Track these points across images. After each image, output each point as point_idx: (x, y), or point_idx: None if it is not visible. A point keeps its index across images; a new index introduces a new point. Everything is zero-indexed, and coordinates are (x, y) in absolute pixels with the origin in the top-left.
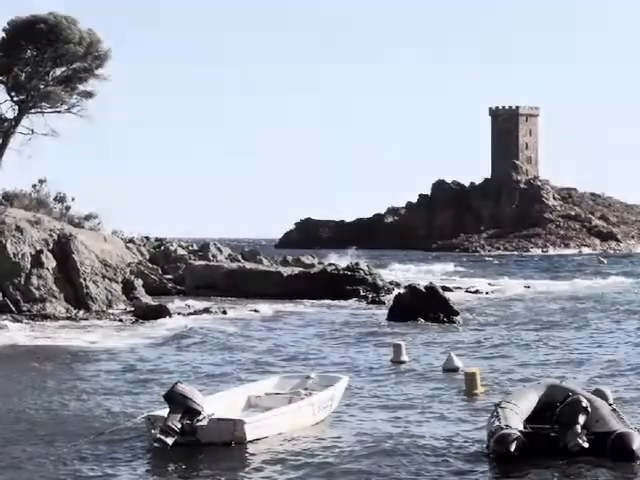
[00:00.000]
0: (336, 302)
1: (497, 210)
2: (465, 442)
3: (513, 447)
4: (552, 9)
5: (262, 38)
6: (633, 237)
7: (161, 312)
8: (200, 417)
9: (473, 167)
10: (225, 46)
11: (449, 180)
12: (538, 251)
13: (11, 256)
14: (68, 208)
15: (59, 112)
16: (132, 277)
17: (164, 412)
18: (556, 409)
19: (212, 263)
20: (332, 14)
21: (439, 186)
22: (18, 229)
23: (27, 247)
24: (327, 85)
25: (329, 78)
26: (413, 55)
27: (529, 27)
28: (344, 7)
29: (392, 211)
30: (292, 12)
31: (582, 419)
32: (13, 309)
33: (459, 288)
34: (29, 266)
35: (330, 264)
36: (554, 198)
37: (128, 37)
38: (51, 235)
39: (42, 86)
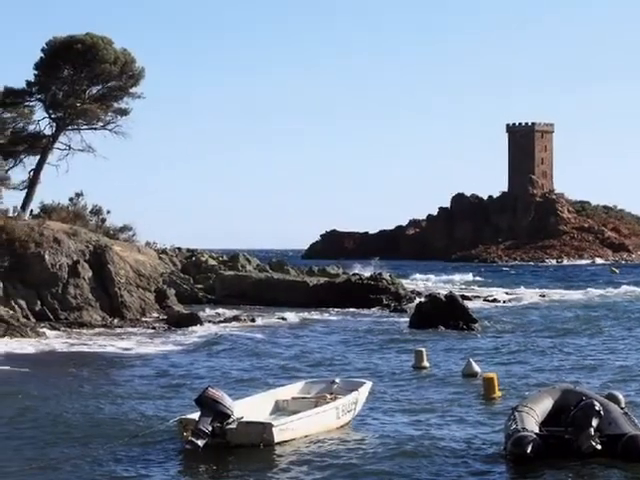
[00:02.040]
0: (360, 310)
1: (514, 222)
2: (483, 444)
3: (529, 449)
4: (567, 28)
5: (289, 52)
6: None
7: (192, 320)
8: (230, 420)
9: (491, 181)
10: (252, 59)
11: (468, 194)
12: (553, 261)
13: (49, 266)
14: (104, 220)
15: (95, 129)
16: (165, 286)
17: (195, 416)
18: (570, 412)
19: (241, 273)
20: (349, 26)
21: (458, 199)
22: (56, 240)
23: (64, 258)
24: (352, 100)
25: (353, 93)
26: (435, 74)
27: (544, 47)
28: (368, 20)
29: (413, 223)
30: (305, 19)
31: (595, 422)
32: (51, 317)
33: (478, 297)
34: (66, 276)
35: (354, 274)
36: (568, 211)
37: (158, 52)
38: (87, 246)
39: (79, 104)
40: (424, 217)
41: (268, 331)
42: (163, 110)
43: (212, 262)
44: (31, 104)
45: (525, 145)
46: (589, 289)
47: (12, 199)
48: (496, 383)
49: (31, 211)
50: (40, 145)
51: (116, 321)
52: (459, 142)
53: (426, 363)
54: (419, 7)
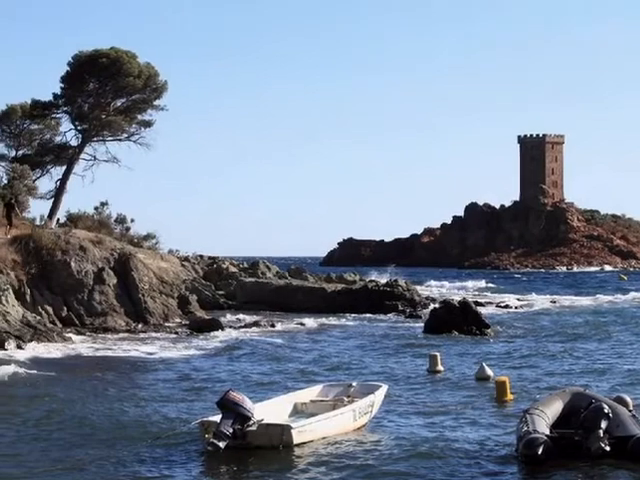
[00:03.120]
0: (376, 316)
1: (525, 231)
2: (496, 446)
3: (540, 450)
4: (577, 43)
5: (310, 63)
6: None
7: (214, 325)
8: (250, 422)
9: (503, 191)
10: (273, 71)
11: (481, 203)
12: (563, 269)
13: (75, 273)
14: (128, 229)
15: (119, 140)
16: (187, 293)
17: (217, 418)
18: (580, 415)
19: (261, 280)
20: (370, 36)
21: (472, 208)
22: (82, 248)
23: (90, 265)
24: (370, 114)
25: (372, 107)
26: (450, 88)
27: (554, 62)
28: (382, 33)
29: (428, 231)
30: (322, 36)
31: (604, 424)
32: (77, 322)
33: (490, 303)
34: (92, 283)
35: (371, 281)
36: (578, 220)
37: (182, 65)
38: (112, 254)
39: (104, 116)
40: (438, 225)
41: (287, 336)
42: (187, 121)
43: (233, 269)
44: (58, 116)
45: (536, 156)
46: (598, 295)
47: (39, 208)
48: (508, 386)
49: (58, 220)
50: (66, 156)
51: (140, 326)
52: (472, 153)
53: (440, 367)
54: (436, 22)
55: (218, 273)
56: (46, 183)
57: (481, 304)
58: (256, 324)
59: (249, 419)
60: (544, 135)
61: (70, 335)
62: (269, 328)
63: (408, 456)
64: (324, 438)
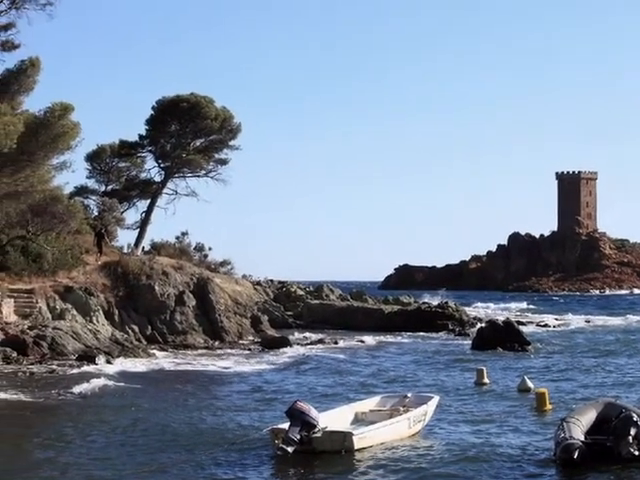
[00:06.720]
0: (429, 334)
1: (562, 258)
2: (536, 451)
3: (576, 455)
4: (609, 88)
5: (369, 105)
6: None
7: (283, 342)
8: (315, 430)
9: (542, 222)
10: (338, 113)
11: (523, 233)
12: (596, 292)
13: (158, 296)
14: (206, 256)
15: (198, 176)
16: (259, 313)
17: (286, 425)
18: (611, 423)
19: (325, 302)
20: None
21: (514, 238)
22: (164, 273)
23: (172, 288)
24: (425, 154)
25: (425, 147)
26: (494, 129)
27: (589, 105)
28: (429, 77)
29: (475, 258)
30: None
31: (633, 431)
32: (160, 340)
33: (531, 322)
34: (173, 304)
35: (424, 303)
36: (610, 248)
37: (255, 107)
38: (192, 278)
39: (184, 155)
40: (484, 253)
41: (349, 352)
42: (258, 158)
43: (300, 292)
44: (143, 155)
45: (572, 190)
46: (628, 316)
47: (126, 237)
48: (547, 397)
49: (143, 248)
50: (150, 190)
51: (216, 343)
52: (515, 188)
53: (486, 380)
54: (483, 62)
55: (287, 296)
56: (132, 215)
57: (523, 323)
58: (321, 341)
59: (315, 427)
60: (579, 172)
61: (154, 351)
62: (332, 345)
63: (457, 460)
64: (382, 444)
